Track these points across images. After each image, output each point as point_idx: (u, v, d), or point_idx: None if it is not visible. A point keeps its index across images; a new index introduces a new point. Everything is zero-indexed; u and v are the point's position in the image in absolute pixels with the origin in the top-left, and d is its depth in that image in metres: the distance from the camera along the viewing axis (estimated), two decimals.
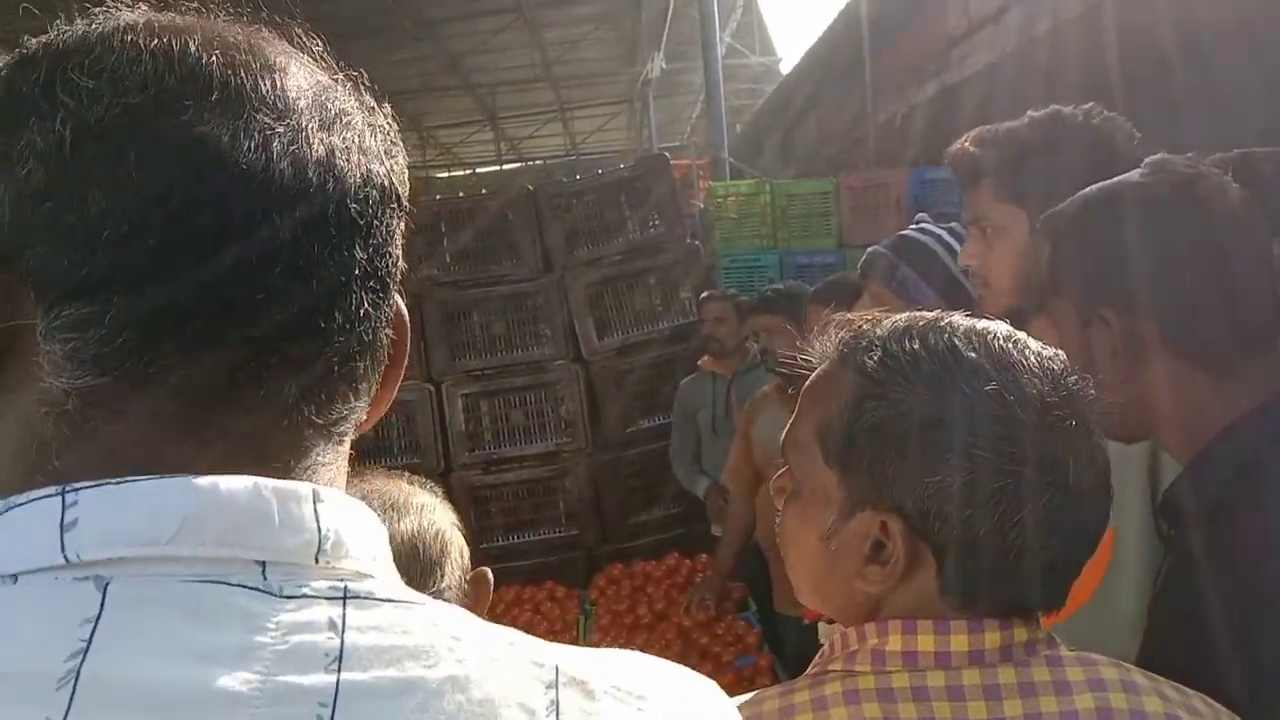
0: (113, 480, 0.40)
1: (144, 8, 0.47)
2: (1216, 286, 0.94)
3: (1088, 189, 1.06)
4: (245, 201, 0.42)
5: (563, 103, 16.25)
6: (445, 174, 18.89)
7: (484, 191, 4.95)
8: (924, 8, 7.05)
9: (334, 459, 0.47)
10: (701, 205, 6.39)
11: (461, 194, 6.18)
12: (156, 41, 0.43)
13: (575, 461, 4.18)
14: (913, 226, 2.17)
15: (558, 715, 0.40)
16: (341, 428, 0.47)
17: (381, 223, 0.47)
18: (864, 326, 0.83)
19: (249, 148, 0.42)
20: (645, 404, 4.28)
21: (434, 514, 1.00)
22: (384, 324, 0.48)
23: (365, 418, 0.49)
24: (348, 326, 0.45)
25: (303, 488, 0.42)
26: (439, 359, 4.14)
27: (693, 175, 8.49)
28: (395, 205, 0.48)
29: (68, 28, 0.45)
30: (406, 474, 1.05)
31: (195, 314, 0.42)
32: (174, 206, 0.41)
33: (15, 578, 0.38)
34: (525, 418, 4.19)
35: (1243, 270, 0.95)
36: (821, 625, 2.20)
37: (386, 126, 0.50)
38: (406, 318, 0.51)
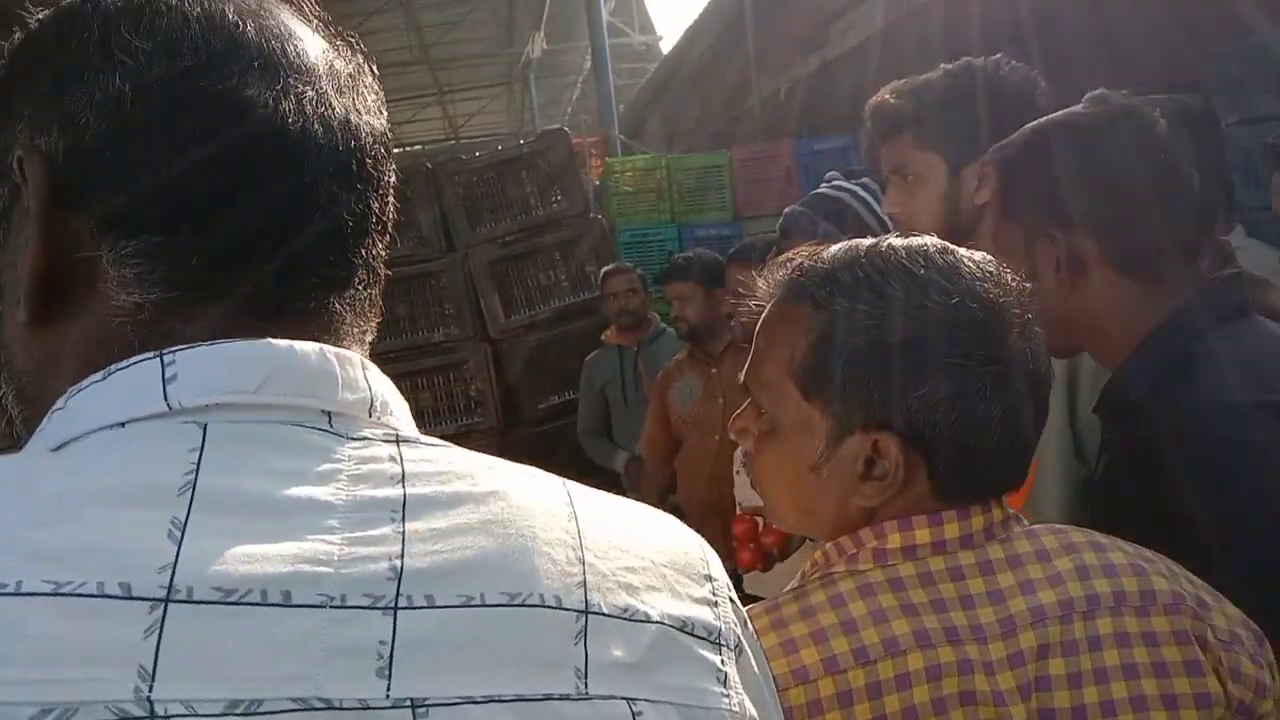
0: (205, 343, 0.45)
1: None
2: (1149, 205, 1.04)
3: (1033, 122, 1.13)
4: (287, 155, 0.48)
5: (441, 85, 15.97)
6: None
7: None
8: None
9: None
10: (596, 181, 6.41)
11: None
12: (198, 8, 0.48)
13: (486, 441, 4.16)
14: (825, 185, 2.24)
15: (577, 521, 0.48)
16: (367, 339, 0.54)
17: (385, 174, 0.54)
18: (805, 262, 0.86)
19: (287, 109, 0.48)
20: (554, 379, 4.30)
21: None
22: (382, 262, 0.55)
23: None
24: (366, 262, 0.53)
25: (355, 356, 0.49)
26: None
27: (584, 152, 8.52)
28: (390, 157, 0.55)
29: None
30: None
31: (251, 244, 0.48)
32: (232, 158, 0.47)
33: (124, 424, 0.44)
34: (434, 399, 4.17)
35: (1170, 191, 1.05)
36: (751, 575, 2.27)
37: (375, 85, 0.55)
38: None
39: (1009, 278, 0.83)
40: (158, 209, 0.46)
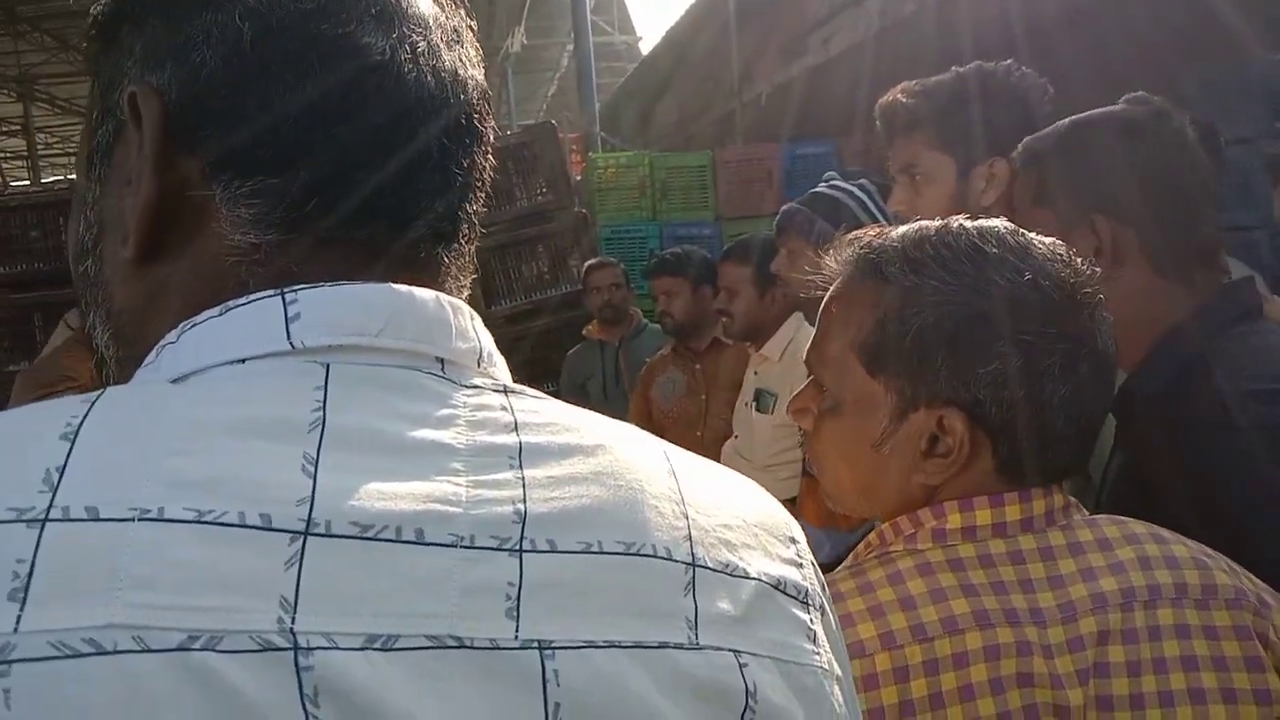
0: (327, 283, 0.45)
1: None
2: (1188, 203, 1.06)
3: (1072, 117, 1.15)
4: (402, 104, 0.48)
5: None
6: None
7: None
8: None
9: None
10: (578, 177, 6.42)
11: None
12: None
13: None
14: (823, 184, 2.27)
15: (676, 478, 0.49)
16: (464, 295, 0.54)
17: (488, 130, 0.53)
18: (874, 240, 0.85)
19: (403, 58, 0.48)
20: (536, 371, 4.29)
21: None
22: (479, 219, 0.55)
23: None
24: (469, 218, 0.52)
25: (465, 306, 0.49)
26: None
27: (565, 148, 8.53)
28: (491, 114, 0.54)
29: None
30: None
31: (366, 189, 0.48)
32: (349, 104, 0.47)
33: (243, 361, 0.43)
34: None
35: (1204, 192, 1.07)
36: None
37: (475, 41, 0.55)
38: None
39: (1080, 261, 0.83)
40: (275, 151, 0.46)
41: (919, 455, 0.81)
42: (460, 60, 0.51)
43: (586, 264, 4.10)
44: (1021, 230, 0.84)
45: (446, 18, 0.52)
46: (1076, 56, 3.82)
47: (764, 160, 5.42)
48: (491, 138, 0.54)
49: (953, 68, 1.61)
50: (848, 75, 5.82)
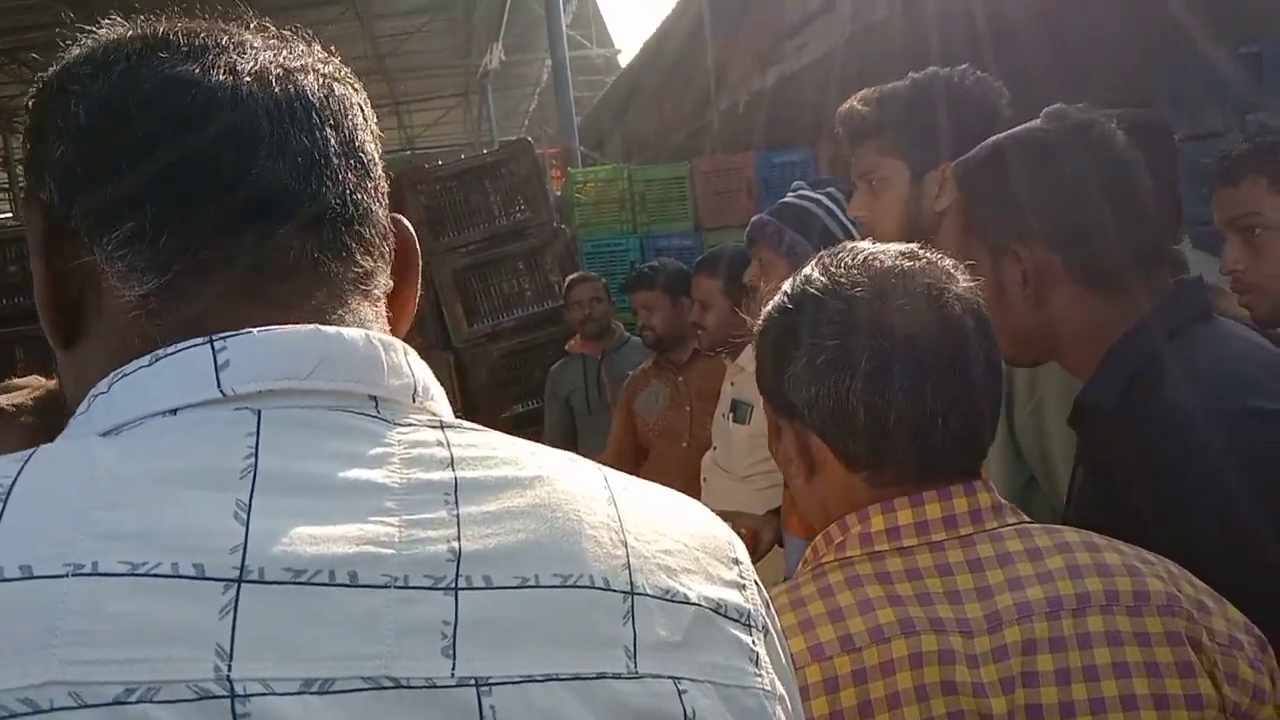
0: (253, 329, 0.46)
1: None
2: (1108, 217, 1.05)
3: (994, 137, 1.15)
4: (222, 109, 0.49)
5: (397, 96, 15.91)
6: None
7: None
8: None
9: (381, 326, 0.53)
10: (558, 192, 6.44)
11: None
12: (132, 32, 0.53)
13: None
14: (791, 194, 2.28)
15: (616, 505, 0.49)
16: (371, 287, 0.53)
17: (347, 117, 0.54)
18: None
19: (216, 73, 0.50)
20: (517, 388, 4.30)
21: None
22: (377, 202, 0.54)
23: (401, 304, 0.56)
24: (338, 193, 0.51)
25: (398, 343, 0.50)
26: None
27: (544, 163, 8.53)
28: (361, 112, 0.55)
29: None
30: None
31: (211, 201, 0.49)
32: (168, 125, 0.48)
33: (175, 411, 0.44)
34: None
35: (1132, 201, 1.06)
36: None
37: (317, 48, 0.56)
38: (412, 231, 0.58)
39: (893, 260, 0.86)
40: (123, 197, 0.48)
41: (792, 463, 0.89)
42: (297, 66, 0.53)
43: (567, 279, 4.11)
44: (862, 248, 0.89)
45: (275, 39, 0.54)
46: (1043, 57, 3.86)
47: (741, 169, 5.45)
48: (355, 116, 0.54)
49: (909, 74, 1.62)
50: (822, 81, 5.85)
